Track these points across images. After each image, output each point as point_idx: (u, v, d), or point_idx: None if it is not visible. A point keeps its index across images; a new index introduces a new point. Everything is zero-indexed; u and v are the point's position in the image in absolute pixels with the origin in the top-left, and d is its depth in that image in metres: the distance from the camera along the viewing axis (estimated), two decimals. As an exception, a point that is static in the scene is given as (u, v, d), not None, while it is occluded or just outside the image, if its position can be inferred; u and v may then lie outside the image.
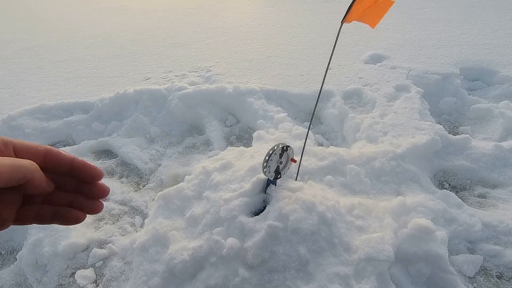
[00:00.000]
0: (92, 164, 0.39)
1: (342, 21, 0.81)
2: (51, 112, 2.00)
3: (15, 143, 0.36)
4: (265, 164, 0.97)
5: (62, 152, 0.38)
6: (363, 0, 0.75)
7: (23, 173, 0.32)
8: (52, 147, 0.38)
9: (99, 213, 1.03)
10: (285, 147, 1.00)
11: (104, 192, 0.40)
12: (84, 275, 1.13)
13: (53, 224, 0.36)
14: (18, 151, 0.36)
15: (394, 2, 0.77)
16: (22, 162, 0.33)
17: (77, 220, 0.39)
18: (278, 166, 1.02)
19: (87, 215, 0.40)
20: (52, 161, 0.38)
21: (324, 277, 0.91)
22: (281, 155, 1.00)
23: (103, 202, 0.41)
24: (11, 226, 0.35)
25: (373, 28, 0.81)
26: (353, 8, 0.77)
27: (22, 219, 0.37)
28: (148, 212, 1.37)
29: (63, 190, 0.39)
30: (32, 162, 0.34)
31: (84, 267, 1.18)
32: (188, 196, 1.19)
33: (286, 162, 1.05)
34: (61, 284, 1.13)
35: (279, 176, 1.04)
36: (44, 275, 1.14)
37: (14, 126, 1.85)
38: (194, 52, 2.83)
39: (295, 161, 1.05)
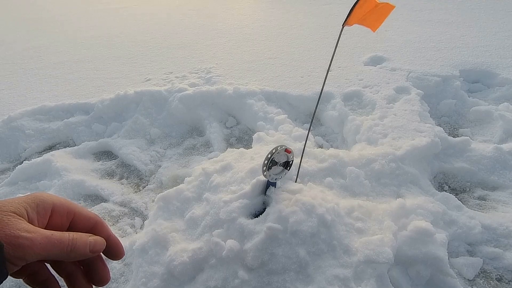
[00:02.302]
0: (121, 244, 0.43)
1: (343, 24, 0.82)
2: (52, 113, 2.00)
3: (75, 213, 0.39)
4: (264, 168, 0.97)
5: (106, 226, 0.42)
6: (364, 4, 0.76)
7: (57, 254, 0.34)
8: (101, 221, 0.41)
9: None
10: (291, 162, 1.00)
11: (105, 279, 0.41)
12: (83, 276, 1.13)
13: None
14: (76, 219, 0.39)
15: (394, 6, 0.77)
16: (61, 239, 0.35)
17: None
18: (276, 163, 1.00)
19: None
20: (93, 232, 0.40)
21: (323, 279, 0.91)
22: (285, 163, 1.00)
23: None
24: None
25: (374, 32, 0.81)
26: (354, 11, 0.77)
27: (17, 273, 0.36)
28: (148, 213, 1.37)
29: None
30: (72, 238, 0.36)
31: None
32: (188, 197, 1.19)
33: (279, 173, 1.04)
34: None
35: (268, 173, 1.02)
36: (44, 276, 1.14)
37: (15, 127, 1.86)
38: (194, 54, 2.84)
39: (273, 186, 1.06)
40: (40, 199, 0.36)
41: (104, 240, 0.40)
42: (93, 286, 0.41)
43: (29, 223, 0.34)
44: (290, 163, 1.02)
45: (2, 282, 0.29)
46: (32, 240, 0.32)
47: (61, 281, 0.40)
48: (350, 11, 0.78)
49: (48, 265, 0.39)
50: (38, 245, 0.32)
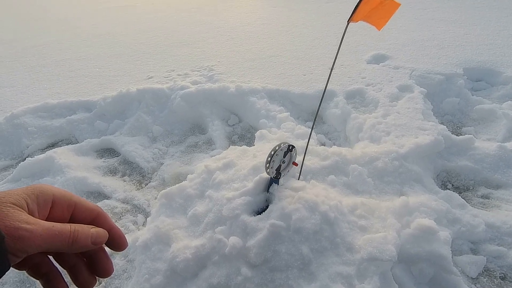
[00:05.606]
0: (124, 235, 0.42)
1: (348, 21, 0.81)
2: (54, 111, 2.00)
3: (76, 204, 0.39)
4: (267, 165, 0.97)
5: (108, 218, 0.41)
6: (369, 0, 0.75)
7: (58, 246, 0.34)
8: (103, 212, 0.40)
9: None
10: (290, 146, 0.99)
11: (108, 271, 0.40)
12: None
13: None
14: (78, 211, 0.39)
15: (400, 4, 0.76)
16: (62, 231, 0.34)
17: None
18: (280, 165, 1.02)
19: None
20: (95, 224, 0.40)
21: (326, 277, 0.91)
22: (285, 154, 1.00)
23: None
24: None
25: (379, 30, 0.81)
26: (359, 8, 0.76)
27: (19, 265, 0.36)
28: (150, 210, 1.37)
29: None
30: (74, 229, 0.35)
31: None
32: (191, 194, 1.19)
33: (288, 163, 1.05)
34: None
35: (279, 176, 1.04)
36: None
37: (17, 124, 1.86)
38: (196, 51, 2.83)
39: (296, 165, 1.05)
40: (40, 190, 0.35)
41: (106, 232, 0.39)
42: (97, 278, 0.40)
43: (30, 214, 0.33)
44: (290, 148, 1.01)
45: (4, 274, 0.29)
46: (32, 232, 0.31)
47: (65, 274, 0.39)
48: (355, 7, 0.77)
49: (51, 257, 0.38)
50: (38, 237, 0.31)
